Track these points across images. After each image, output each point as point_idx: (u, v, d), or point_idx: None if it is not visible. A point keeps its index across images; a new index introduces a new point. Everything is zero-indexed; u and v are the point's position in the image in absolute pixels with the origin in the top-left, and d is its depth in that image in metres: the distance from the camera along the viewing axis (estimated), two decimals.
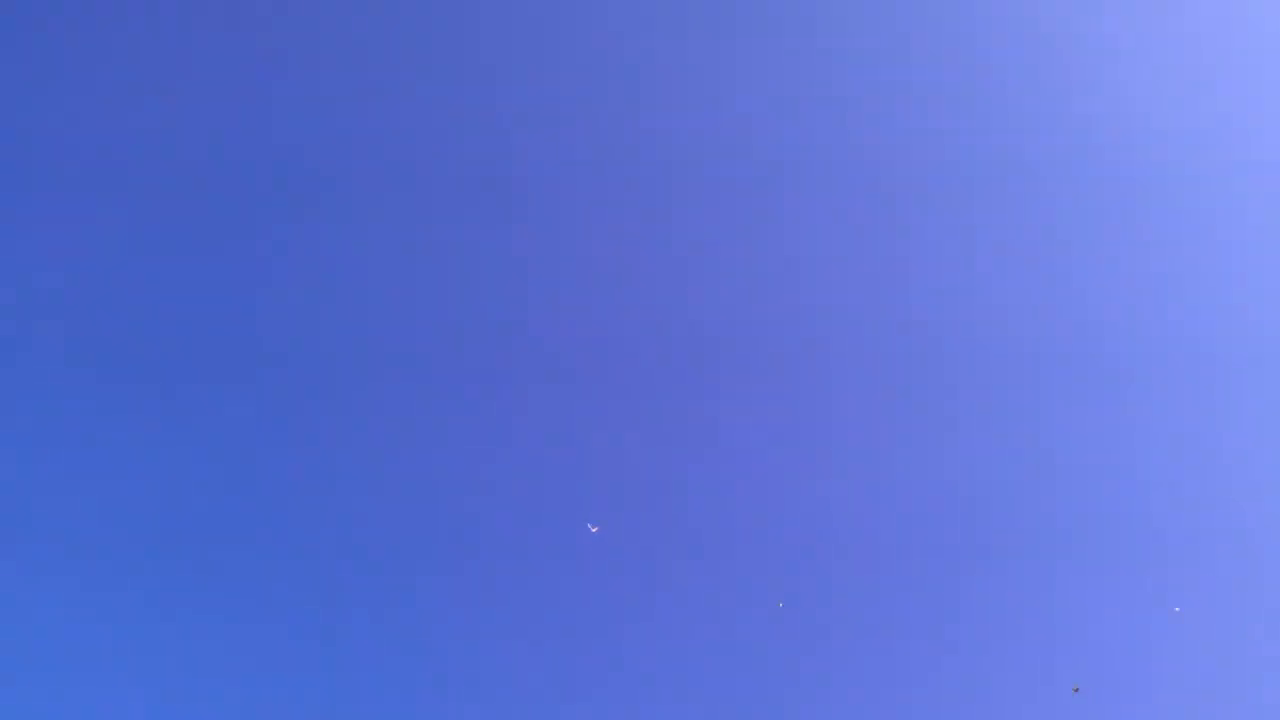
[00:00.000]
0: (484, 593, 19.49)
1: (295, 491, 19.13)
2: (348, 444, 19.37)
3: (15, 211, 18.12)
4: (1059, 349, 20.56)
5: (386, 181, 19.66)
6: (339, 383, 19.43)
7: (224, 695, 18.37)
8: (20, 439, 18.20)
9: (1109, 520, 20.23)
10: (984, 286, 20.59)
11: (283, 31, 19.19)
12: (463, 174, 19.93)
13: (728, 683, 19.60)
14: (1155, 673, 19.74)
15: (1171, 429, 20.40)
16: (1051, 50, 20.58)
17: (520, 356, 20.05)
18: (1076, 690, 17.50)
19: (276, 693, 18.58)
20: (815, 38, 20.13)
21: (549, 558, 19.66)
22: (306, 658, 18.77)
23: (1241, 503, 20.29)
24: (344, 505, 19.28)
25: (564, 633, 19.51)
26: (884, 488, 20.29)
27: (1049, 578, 20.12)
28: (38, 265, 18.25)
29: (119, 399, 18.59)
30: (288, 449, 19.12)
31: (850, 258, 20.48)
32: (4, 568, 17.87)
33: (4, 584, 17.84)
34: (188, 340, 18.86)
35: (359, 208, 19.50)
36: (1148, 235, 20.69)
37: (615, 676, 19.50)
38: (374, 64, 19.56)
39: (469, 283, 19.94)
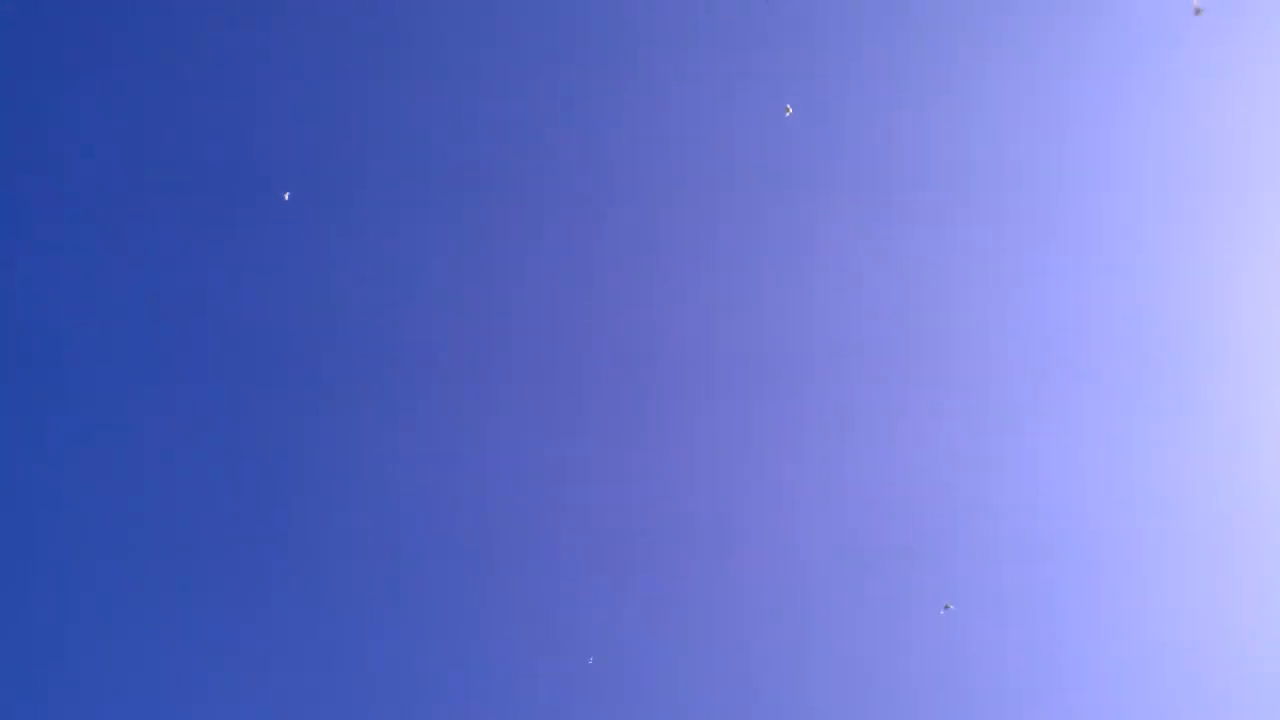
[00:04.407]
0: (479, 592, 19.54)
1: (289, 490, 19.22)
2: (338, 441, 19.46)
3: (14, 211, 18.27)
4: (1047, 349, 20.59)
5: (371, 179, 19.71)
6: (331, 382, 19.52)
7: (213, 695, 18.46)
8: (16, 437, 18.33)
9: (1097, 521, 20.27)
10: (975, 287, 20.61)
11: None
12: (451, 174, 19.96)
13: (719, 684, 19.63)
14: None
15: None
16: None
17: (516, 357, 20.12)
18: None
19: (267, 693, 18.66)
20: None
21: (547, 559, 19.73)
22: (298, 658, 18.84)
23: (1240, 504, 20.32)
24: (338, 504, 19.38)
25: (559, 634, 19.58)
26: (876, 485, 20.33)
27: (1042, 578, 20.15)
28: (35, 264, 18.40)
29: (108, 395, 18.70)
30: (277, 446, 19.22)
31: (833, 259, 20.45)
32: None
33: None
34: (177, 337, 18.95)
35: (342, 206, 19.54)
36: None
37: (611, 676, 19.54)
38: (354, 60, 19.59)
39: (468, 283, 20.02)
